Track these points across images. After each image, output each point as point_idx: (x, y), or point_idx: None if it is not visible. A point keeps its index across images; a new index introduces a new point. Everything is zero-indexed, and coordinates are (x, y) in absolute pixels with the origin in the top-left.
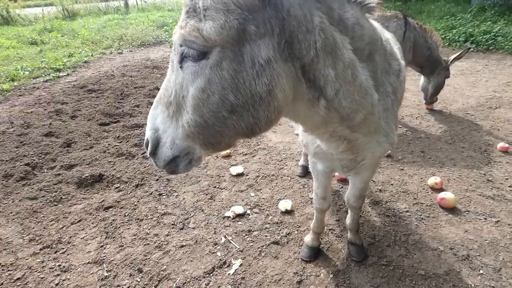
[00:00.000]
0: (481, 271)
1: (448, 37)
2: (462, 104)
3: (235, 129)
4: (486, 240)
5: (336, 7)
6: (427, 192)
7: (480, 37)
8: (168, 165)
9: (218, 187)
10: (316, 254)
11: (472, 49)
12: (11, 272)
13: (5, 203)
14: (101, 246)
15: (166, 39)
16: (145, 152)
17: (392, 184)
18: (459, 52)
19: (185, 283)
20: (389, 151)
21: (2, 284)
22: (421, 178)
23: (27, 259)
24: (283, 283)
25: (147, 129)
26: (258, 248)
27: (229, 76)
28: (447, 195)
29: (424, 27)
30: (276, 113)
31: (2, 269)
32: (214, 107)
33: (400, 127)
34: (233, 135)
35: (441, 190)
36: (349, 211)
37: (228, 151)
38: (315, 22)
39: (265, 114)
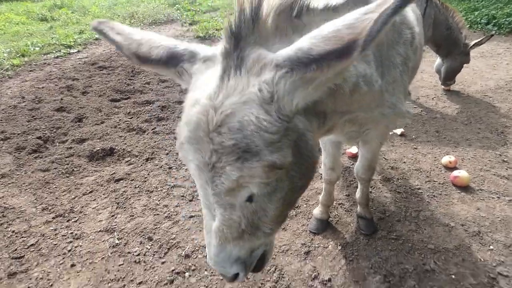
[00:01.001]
0: (491, 247)
1: (469, 19)
2: (480, 86)
3: (300, 197)
4: (498, 217)
5: None
6: (440, 171)
7: (503, 20)
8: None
9: None
10: (324, 226)
11: (494, 32)
12: (25, 238)
13: (18, 174)
14: (112, 216)
15: (178, 18)
16: (155, 127)
17: (404, 162)
18: (481, 38)
19: (193, 251)
20: (403, 130)
21: (16, 249)
22: (435, 157)
23: (40, 227)
24: (291, 253)
25: (231, 271)
26: None
27: (295, 172)
28: (461, 173)
29: (446, 5)
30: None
31: (16, 236)
32: (293, 200)
33: (415, 107)
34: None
35: (455, 168)
36: (358, 184)
37: None
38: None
39: (313, 172)
